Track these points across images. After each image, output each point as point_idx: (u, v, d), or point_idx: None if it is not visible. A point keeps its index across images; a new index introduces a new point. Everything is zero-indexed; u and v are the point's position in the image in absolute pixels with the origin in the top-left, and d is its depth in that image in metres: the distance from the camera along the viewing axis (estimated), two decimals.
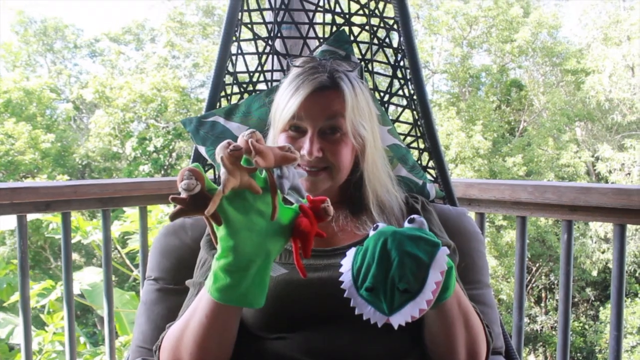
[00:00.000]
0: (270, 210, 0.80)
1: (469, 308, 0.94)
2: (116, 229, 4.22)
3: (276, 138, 1.10)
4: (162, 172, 13.18)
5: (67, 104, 16.59)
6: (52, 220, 4.38)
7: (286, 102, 1.04)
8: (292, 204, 0.86)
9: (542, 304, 12.49)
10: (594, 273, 11.52)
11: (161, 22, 17.03)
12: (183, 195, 0.73)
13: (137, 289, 8.30)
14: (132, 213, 4.14)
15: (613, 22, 13.41)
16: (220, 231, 0.78)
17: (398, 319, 0.75)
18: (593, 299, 12.22)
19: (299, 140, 1.05)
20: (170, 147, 13.27)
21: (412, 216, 0.83)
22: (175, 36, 16.68)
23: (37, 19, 17.63)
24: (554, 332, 11.70)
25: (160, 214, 4.21)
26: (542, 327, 11.91)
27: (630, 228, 10.74)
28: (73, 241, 2.00)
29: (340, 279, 0.80)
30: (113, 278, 2.14)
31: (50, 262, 12.17)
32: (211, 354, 0.90)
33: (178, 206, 0.73)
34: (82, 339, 4.71)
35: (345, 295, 0.79)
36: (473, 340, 0.95)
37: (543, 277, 12.61)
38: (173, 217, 0.74)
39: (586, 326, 11.70)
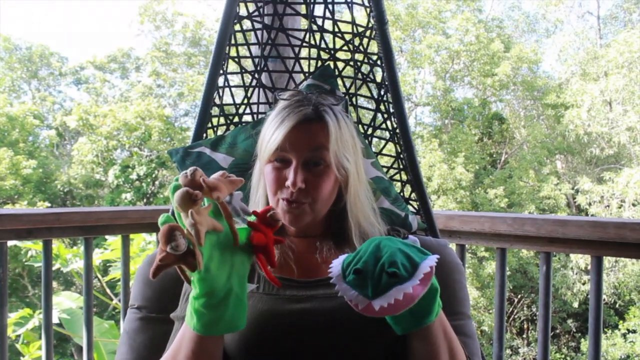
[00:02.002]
0: (230, 238, 0.84)
1: (453, 337, 0.96)
2: (97, 257, 4.18)
3: (262, 169, 1.12)
4: (145, 200, 13.08)
5: (50, 131, 16.49)
6: (31, 247, 4.32)
7: (272, 133, 1.07)
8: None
9: (524, 336, 12.48)
10: (575, 304, 11.58)
11: (146, 51, 17.11)
12: (170, 252, 0.74)
13: (117, 318, 8.14)
14: (113, 241, 4.11)
15: (591, 59, 13.76)
16: (194, 273, 0.81)
17: (381, 302, 0.75)
18: (574, 330, 12.25)
19: (284, 171, 1.06)
20: (153, 176, 13.21)
21: (407, 236, 0.86)
22: (160, 65, 16.74)
23: (22, 45, 17.64)
24: None
25: (142, 242, 4.19)
26: (525, 358, 11.88)
27: (610, 260, 10.85)
28: (52, 269, 1.98)
29: (330, 268, 0.83)
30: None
31: (27, 290, 11.94)
32: None
33: (159, 262, 0.74)
34: None
35: (331, 281, 0.81)
36: None
37: (525, 308, 12.63)
38: (155, 273, 0.75)
39: (568, 358, 11.70)
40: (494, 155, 14.86)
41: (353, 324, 0.97)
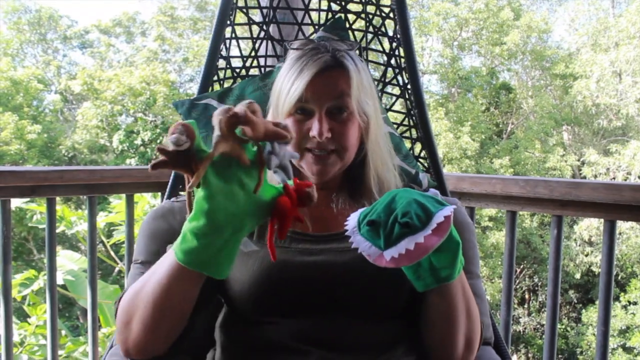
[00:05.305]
0: (254, 185, 0.79)
1: (470, 296, 0.94)
2: (101, 219, 4.17)
3: None
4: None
5: (55, 95, 16.44)
6: (36, 209, 4.32)
7: (290, 85, 1.02)
8: (276, 184, 0.84)
9: (526, 306, 12.58)
10: (577, 276, 11.64)
11: (152, 16, 16.92)
12: (170, 148, 0.70)
13: (122, 283, 8.21)
14: (117, 204, 4.10)
15: (602, 29, 13.54)
16: (199, 192, 0.77)
17: (392, 252, 0.75)
18: (576, 301, 12.34)
19: (306, 123, 1.02)
20: (158, 141, 13.19)
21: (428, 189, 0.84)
22: (166, 30, 16.58)
23: (31, 7, 17.45)
24: (537, 334, 11.80)
25: (147, 205, 4.17)
26: (525, 328, 12.00)
27: None
28: (57, 231, 1.96)
29: (347, 222, 0.82)
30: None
31: (33, 253, 12.05)
32: (164, 316, 0.88)
33: (162, 157, 0.71)
34: (64, 332, 4.65)
35: (346, 234, 0.80)
36: (472, 328, 0.95)
37: (527, 278, 12.70)
38: (154, 167, 0.72)
39: (568, 328, 11.81)
40: (500, 125, 14.76)
41: (365, 278, 0.95)
